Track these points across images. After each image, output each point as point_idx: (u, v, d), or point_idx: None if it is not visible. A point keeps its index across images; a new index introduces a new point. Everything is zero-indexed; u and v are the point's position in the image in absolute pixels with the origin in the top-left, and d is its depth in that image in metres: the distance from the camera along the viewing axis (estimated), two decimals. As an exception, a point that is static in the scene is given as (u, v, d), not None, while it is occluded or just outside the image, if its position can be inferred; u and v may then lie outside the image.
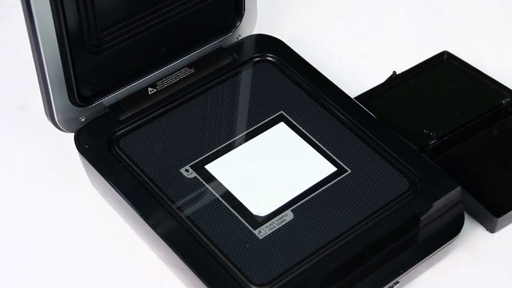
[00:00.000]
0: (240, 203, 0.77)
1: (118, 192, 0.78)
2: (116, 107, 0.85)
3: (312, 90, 0.87)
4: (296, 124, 0.83)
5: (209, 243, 0.74)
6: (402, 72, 0.96)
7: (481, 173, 0.86)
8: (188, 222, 0.76)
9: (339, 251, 0.74)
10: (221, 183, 0.79)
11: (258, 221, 0.76)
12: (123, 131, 0.83)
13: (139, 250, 0.82)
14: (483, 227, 0.84)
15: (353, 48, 1.03)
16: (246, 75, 0.88)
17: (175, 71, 0.88)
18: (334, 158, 0.81)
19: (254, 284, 0.72)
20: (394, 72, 0.96)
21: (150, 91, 0.86)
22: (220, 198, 0.78)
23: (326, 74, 0.89)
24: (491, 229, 0.83)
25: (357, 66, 1.01)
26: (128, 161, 0.80)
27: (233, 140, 0.82)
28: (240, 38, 0.93)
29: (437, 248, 0.77)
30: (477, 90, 0.94)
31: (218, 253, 0.74)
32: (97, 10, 0.79)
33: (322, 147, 0.81)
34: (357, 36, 1.05)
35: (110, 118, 0.84)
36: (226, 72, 0.88)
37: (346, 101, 0.86)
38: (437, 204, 0.78)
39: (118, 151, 0.81)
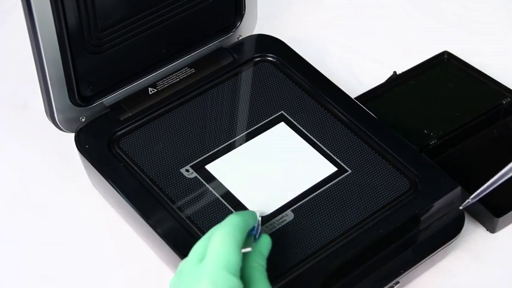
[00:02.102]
0: (241, 203, 0.77)
1: (118, 192, 0.78)
2: (117, 107, 0.85)
3: (312, 91, 0.87)
4: (296, 124, 0.83)
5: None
6: (402, 72, 0.96)
7: (481, 173, 0.86)
8: (188, 222, 0.76)
9: (339, 251, 0.74)
10: (221, 183, 0.79)
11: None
12: (123, 131, 0.83)
13: (139, 250, 0.82)
14: (483, 227, 0.84)
15: (353, 48, 1.03)
16: (246, 75, 0.88)
17: (176, 71, 0.88)
18: (335, 158, 0.81)
19: (254, 284, 0.72)
20: (395, 72, 0.96)
21: (151, 91, 0.86)
22: (220, 198, 0.78)
23: (326, 74, 0.89)
24: (492, 229, 0.83)
25: (357, 66, 1.01)
26: (128, 161, 0.80)
27: (233, 140, 0.82)
28: (241, 38, 0.93)
29: (437, 248, 0.77)
30: (477, 90, 0.94)
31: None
32: (97, 10, 0.79)
33: (323, 147, 0.81)
34: (357, 36, 1.05)
35: (110, 118, 0.84)
36: (226, 72, 0.88)
37: (346, 101, 0.86)
38: (438, 204, 0.78)
39: (118, 151, 0.81)
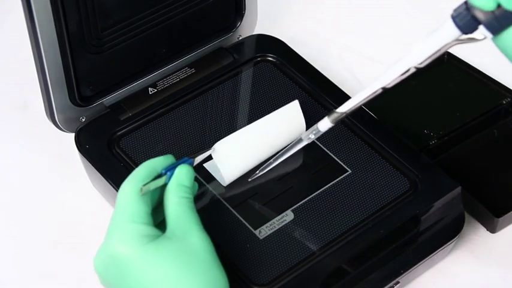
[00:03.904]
0: (241, 203, 0.77)
1: (118, 192, 0.78)
2: (117, 107, 0.85)
3: (312, 91, 0.87)
4: (296, 124, 0.83)
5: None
6: (402, 73, 0.96)
7: (481, 173, 0.86)
8: (188, 222, 0.76)
9: (340, 251, 0.74)
10: (221, 183, 0.79)
11: (258, 221, 0.76)
12: (123, 131, 0.83)
13: (139, 250, 0.82)
14: (483, 227, 0.84)
15: (353, 48, 1.03)
16: (246, 75, 0.88)
17: (176, 71, 0.88)
18: (335, 158, 0.81)
19: (254, 284, 0.72)
20: (395, 72, 0.96)
21: (151, 91, 0.86)
22: (220, 198, 0.78)
23: (326, 74, 0.89)
24: (492, 229, 0.83)
25: (357, 66, 1.01)
26: (128, 161, 0.80)
27: (233, 140, 0.82)
28: (241, 38, 0.93)
29: (437, 248, 0.77)
30: (477, 90, 0.94)
31: (219, 253, 0.73)
32: (97, 10, 0.79)
33: (323, 147, 0.81)
34: (357, 36, 1.05)
35: (111, 118, 0.84)
36: (226, 72, 0.88)
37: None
38: (438, 204, 0.78)
39: (118, 151, 0.81)
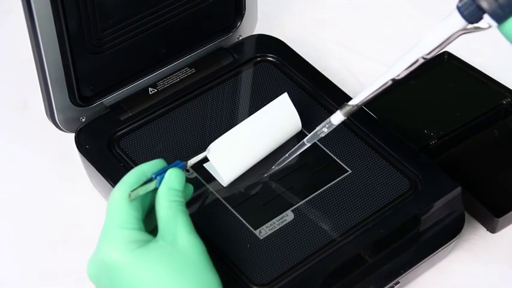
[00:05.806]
0: (241, 203, 0.77)
1: (118, 192, 0.78)
2: (117, 107, 0.85)
3: (312, 91, 0.87)
4: (296, 124, 0.84)
5: (209, 243, 0.74)
6: (402, 72, 0.96)
7: (481, 173, 0.86)
8: (188, 222, 0.76)
9: (340, 251, 0.74)
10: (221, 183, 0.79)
11: (258, 221, 0.76)
12: (123, 131, 0.83)
13: (139, 250, 0.82)
14: (483, 227, 0.84)
15: (353, 48, 1.03)
16: (246, 75, 0.88)
17: (176, 71, 0.88)
18: (335, 158, 0.81)
19: (254, 284, 0.72)
20: (394, 72, 0.96)
21: (151, 91, 0.86)
22: (220, 198, 0.78)
23: (326, 74, 0.89)
24: (492, 229, 0.83)
25: (357, 66, 1.01)
26: (128, 161, 0.80)
27: (234, 140, 0.82)
28: (241, 38, 0.93)
29: (437, 248, 0.77)
30: (477, 90, 0.94)
31: (219, 253, 0.73)
32: (97, 10, 0.79)
33: (323, 147, 0.81)
34: (357, 36, 1.05)
35: (111, 118, 0.84)
36: (226, 72, 0.88)
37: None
38: (438, 204, 0.78)
39: (118, 151, 0.81)
